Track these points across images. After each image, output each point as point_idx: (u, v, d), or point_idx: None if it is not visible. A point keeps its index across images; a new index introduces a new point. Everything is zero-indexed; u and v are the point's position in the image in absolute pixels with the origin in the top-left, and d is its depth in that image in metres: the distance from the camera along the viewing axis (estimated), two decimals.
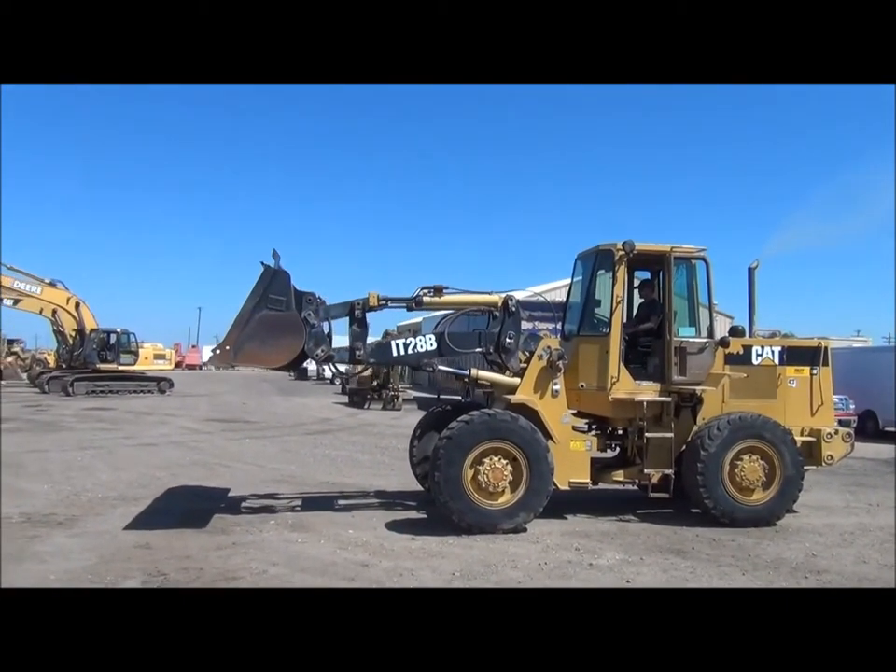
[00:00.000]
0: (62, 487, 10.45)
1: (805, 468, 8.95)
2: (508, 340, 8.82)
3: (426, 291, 8.80)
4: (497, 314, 8.86)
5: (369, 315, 8.72)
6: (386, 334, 29.42)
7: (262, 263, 8.12)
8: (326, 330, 8.46)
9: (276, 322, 8.03)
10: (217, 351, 8.14)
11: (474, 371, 9.01)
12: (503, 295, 8.92)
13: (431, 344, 8.76)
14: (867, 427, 20.07)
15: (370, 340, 8.81)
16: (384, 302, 8.75)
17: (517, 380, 8.83)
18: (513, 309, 8.87)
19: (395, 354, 8.78)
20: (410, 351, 8.76)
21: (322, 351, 8.35)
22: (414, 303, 8.81)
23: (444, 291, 8.83)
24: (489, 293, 9.00)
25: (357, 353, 8.55)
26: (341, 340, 8.84)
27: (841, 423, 10.77)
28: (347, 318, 8.67)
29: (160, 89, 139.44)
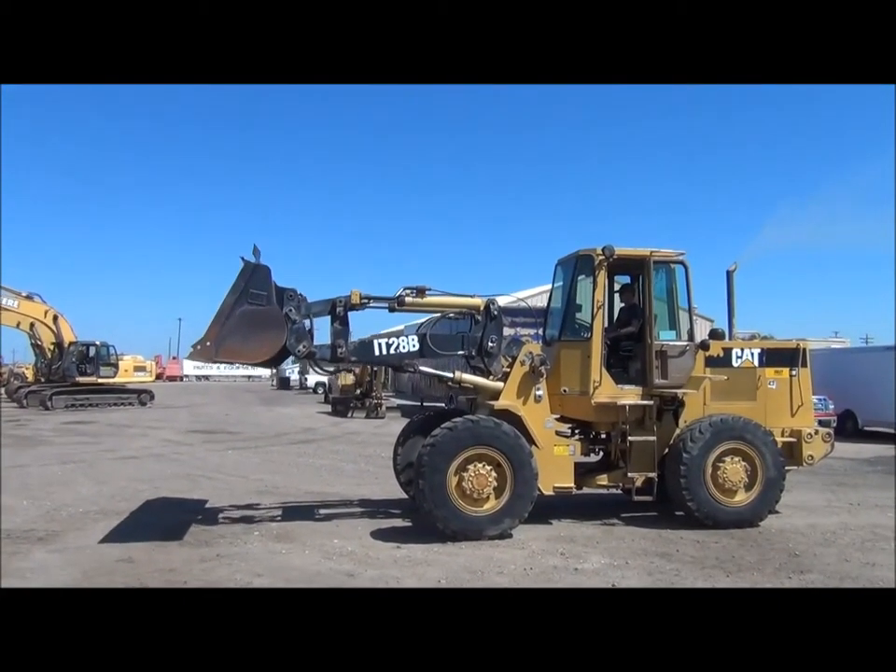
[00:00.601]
0: (42, 503, 10.31)
1: (786, 468, 9.04)
2: (490, 344, 8.83)
3: (408, 291, 8.76)
4: (479, 318, 8.87)
5: (351, 321, 8.68)
6: None
7: (242, 258, 8.06)
8: (307, 327, 8.41)
9: (258, 317, 7.96)
10: (198, 347, 7.95)
11: (457, 374, 8.99)
12: (485, 299, 8.94)
13: (413, 345, 8.74)
14: (846, 427, 20.30)
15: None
16: (366, 300, 8.67)
17: (500, 384, 8.83)
18: (495, 313, 8.88)
19: (377, 353, 8.75)
20: (392, 351, 8.73)
21: (304, 347, 8.29)
22: (396, 303, 8.74)
23: (427, 292, 8.80)
24: (471, 296, 9.00)
25: (339, 350, 8.48)
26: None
27: (821, 423, 10.88)
28: (329, 318, 8.59)
29: (138, 102, 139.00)
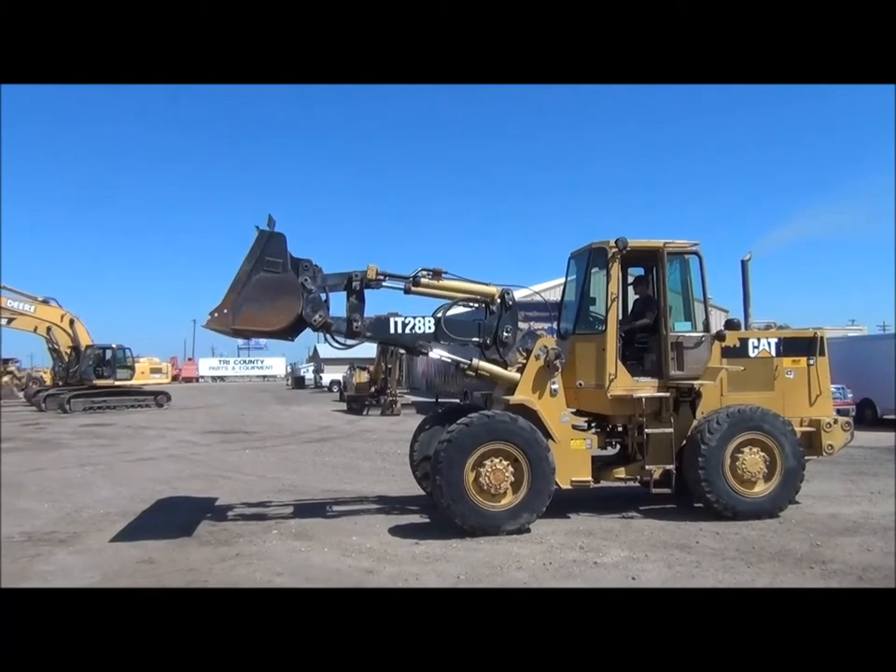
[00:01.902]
0: (62, 505, 10.40)
1: (805, 458, 8.96)
2: (505, 333, 8.79)
3: (425, 273, 8.70)
4: (494, 308, 8.81)
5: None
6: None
7: (257, 227, 8.06)
8: (323, 299, 8.38)
9: (274, 284, 7.97)
10: (216, 314, 7.92)
11: (475, 361, 8.88)
12: (500, 288, 8.88)
13: (429, 327, 8.71)
14: (865, 416, 20.10)
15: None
16: (381, 277, 8.59)
17: (517, 375, 8.79)
18: (510, 303, 8.83)
19: (392, 331, 8.70)
20: (407, 331, 8.70)
21: (320, 317, 8.27)
22: (412, 283, 8.65)
23: (443, 275, 8.73)
24: (487, 284, 8.93)
25: (355, 324, 8.45)
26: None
27: (839, 412, 10.78)
28: (344, 295, 8.54)
29: (149, 102, 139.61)
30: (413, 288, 8.68)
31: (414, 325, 8.71)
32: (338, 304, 8.62)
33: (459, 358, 9.01)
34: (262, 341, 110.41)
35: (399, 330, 8.71)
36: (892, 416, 20.16)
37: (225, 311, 7.87)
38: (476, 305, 9.04)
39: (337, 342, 8.73)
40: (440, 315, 8.79)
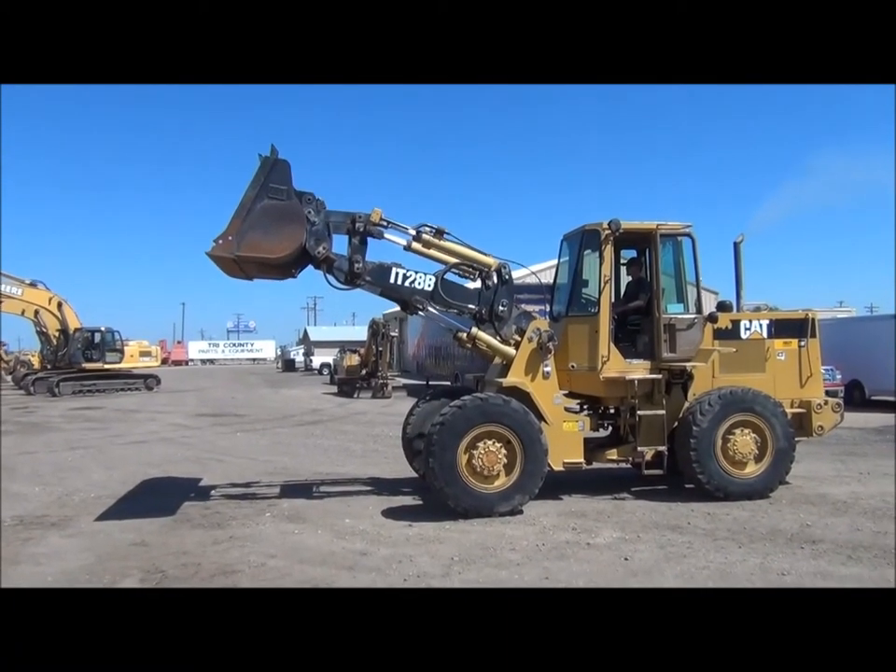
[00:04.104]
0: (53, 488, 10.36)
1: (796, 439, 9.02)
2: (500, 308, 8.77)
3: (428, 228, 8.64)
4: (490, 283, 8.76)
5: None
6: (373, 322, 29.48)
7: (260, 155, 8.00)
8: (326, 235, 8.33)
9: (278, 210, 7.96)
10: (220, 241, 7.83)
11: (474, 329, 8.84)
12: (498, 261, 8.83)
13: (428, 285, 8.64)
14: (854, 397, 20.25)
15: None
16: (385, 223, 8.49)
17: (514, 351, 8.77)
18: (507, 277, 8.80)
19: (392, 280, 8.60)
20: (407, 284, 8.63)
21: (324, 248, 8.23)
22: (414, 236, 8.58)
23: (445, 235, 8.68)
24: (486, 254, 8.88)
25: (356, 265, 8.37)
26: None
27: (828, 393, 10.84)
28: (346, 237, 8.47)
29: (142, 88, 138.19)
30: (413, 245, 8.62)
31: (415, 279, 8.63)
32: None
33: (458, 325, 8.98)
34: (252, 323, 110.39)
35: (399, 282, 8.62)
36: (882, 398, 20.33)
37: (230, 237, 7.80)
38: (472, 278, 8.94)
39: (338, 280, 8.59)
40: (439, 274, 8.71)
